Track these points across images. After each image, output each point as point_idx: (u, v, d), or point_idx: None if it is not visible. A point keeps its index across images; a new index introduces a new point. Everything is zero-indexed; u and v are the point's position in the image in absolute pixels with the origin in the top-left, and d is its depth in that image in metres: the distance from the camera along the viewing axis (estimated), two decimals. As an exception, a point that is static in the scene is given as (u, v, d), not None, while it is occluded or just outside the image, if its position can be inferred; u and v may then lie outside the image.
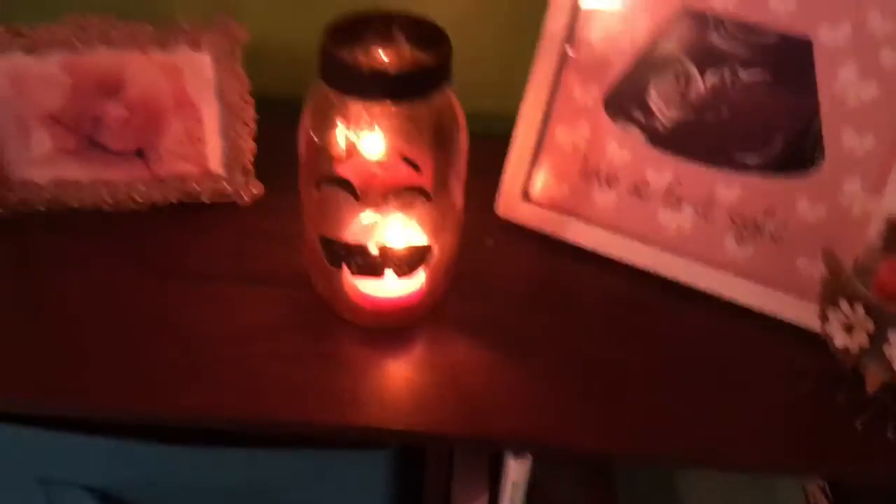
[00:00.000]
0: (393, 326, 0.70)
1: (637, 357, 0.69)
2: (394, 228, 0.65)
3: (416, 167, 0.60)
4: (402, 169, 0.61)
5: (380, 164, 0.61)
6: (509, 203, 0.79)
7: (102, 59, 0.73)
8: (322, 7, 0.85)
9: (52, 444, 0.68)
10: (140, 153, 0.77)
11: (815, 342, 0.67)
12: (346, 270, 0.65)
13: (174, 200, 0.79)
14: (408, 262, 0.64)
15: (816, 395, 0.66)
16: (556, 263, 0.77)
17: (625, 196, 0.76)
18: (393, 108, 0.59)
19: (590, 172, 0.77)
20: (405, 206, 0.62)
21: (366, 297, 0.68)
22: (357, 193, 0.61)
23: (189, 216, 0.79)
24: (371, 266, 0.64)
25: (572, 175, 0.78)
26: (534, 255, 0.78)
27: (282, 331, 0.69)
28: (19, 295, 0.71)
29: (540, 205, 0.79)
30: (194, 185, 0.78)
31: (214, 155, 0.78)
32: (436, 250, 0.65)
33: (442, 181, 0.63)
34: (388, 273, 0.65)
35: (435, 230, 0.64)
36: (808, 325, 0.70)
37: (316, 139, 0.62)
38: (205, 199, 0.79)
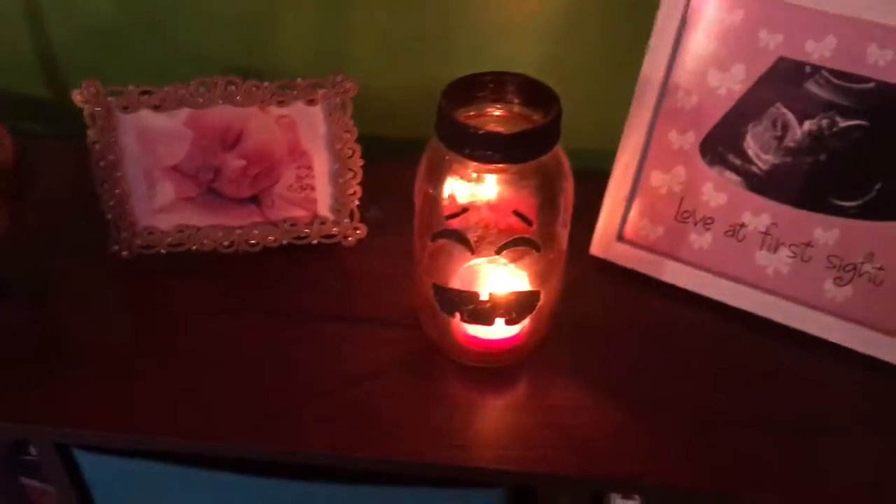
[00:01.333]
0: (498, 365, 0.73)
1: (737, 399, 0.71)
2: (503, 277, 0.68)
3: (528, 222, 0.63)
4: (513, 221, 0.64)
5: (493, 217, 0.64)
6: (604, 243, 0.82)
7: (223, 114, 0.77)
8: (418, 56, 0.90)
9: (183, 479, 0.72)
10: (255, 199, 0.82)
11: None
12: (457, 317, 0.68)
13: (284, 242, 0.83)
14: (517, 310, 0.67)
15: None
16: (652, 304, 0.79)
17: (721, 238, 0.78)
18: (506, 167, 0.62)
19: (685, 215, 0.79)
20: (516, 258, 0.65)
21: (474, 339, 0.71)
22: (472, 247, 0.64)
23: (298, 257, 0.83)
24: (482, 314, 0.67)
25: (667, 217, 0.80)
26: (628, 296, 0.80)
27: (391, 370, 0.73)
28: (144, 334, 0.76)
29: (635, 245, 0.81)
30: (304, 228, 0.83)
31: (323, 200, 0.82)
32: (542, 296, 0.68)
33: (549, 231, 0.65)
34: (498, 321, 0.68)
35: (542, 278, 0.67)
36: (909, 369, 0.71)
37: (432, 192, 0.65)
38: (313, 241, 0.83)
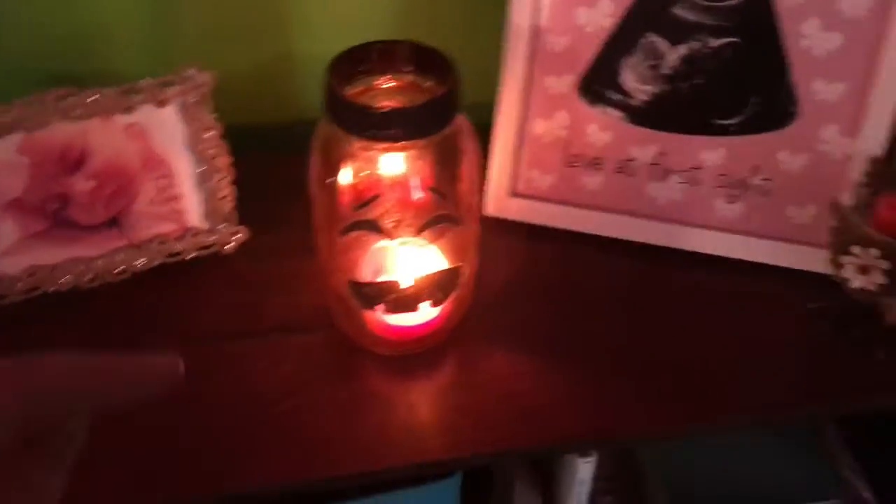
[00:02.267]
0: (425, 349, 0.69)
1: (656, 331, 0.71)
2: (419, 258, 0.64)
3: (443, 196, 0.59)
4: (427, 200, 0.60)
5: (405, 199, 0.59)
6: (498, 201, 0.79)
7: (61, 132, 0.67)
8: (260, 33, 0.82)
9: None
10: (114, 222, 0.72)
11: (817, 284, 0.71)
12: (378, 309, 0.64)
13: (156, 264, 0.75)
14: (441, 290, 0.64)
15: (832, 334, 0.70)
16: (557, 254, 0.78)
17: (612, 176, 0.78)
18: (412, 143, 0.57)
19: (574, 159, 0.78)
20: (436, 236, 0.61)
21: (396, 328, 0.66)
22: (390, 234, 0.59)
23: (175, 277, 0.75)
24: (406, 301, 0.63)
25: (557, 164, 0.78)
26: (532, 251, 0.78)
27: (314, 380, 0.67)
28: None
29: (528, 197, 0.79)
30: (175, 244, 0.74)
31: (192, 209, 0.74)
32: (465, 270, 0.65)
33: (466, 202, 0.62)
34: (422, 305, 0.64)
35: (463, 251, 0.64)
36: (807, 268, 0.74)
37: (330, 182, 0.60)
38: (188, 256, 0.75)
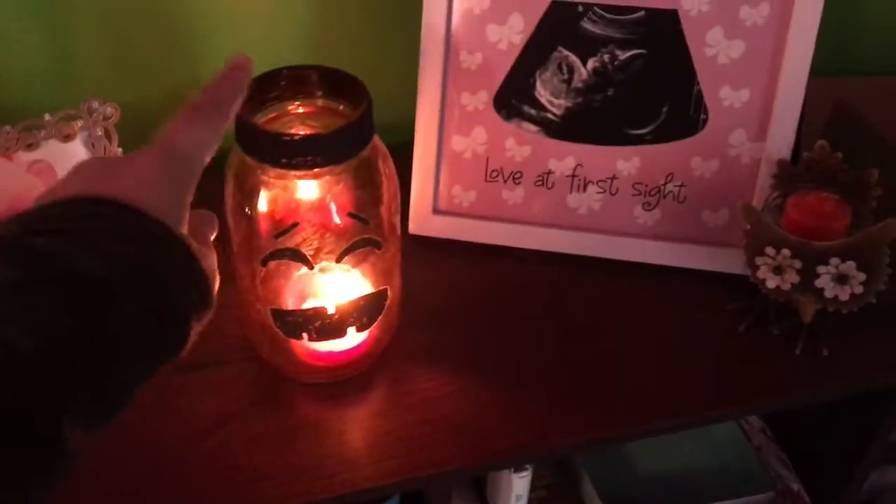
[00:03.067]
0: (353, 374, 0.68)
1: (582, 340, 0.72)
2: (346, 284, 0.63)
3: (364, 221, 0.59)
4: (347, 225, 0.59)
5: (324, 225, 0.59)
6: (420, 219, 0.79)
7: (-40, 173, 0.64)
8: (164, 62, 0.80)
9: None
10: (22, 263, 0.69)
11: (735, 286, 0.73)
12: (304, 337, 0.63)
13: (70, 302, 0.72)
14: (367, 314, 0.63)
15: (753, 333, 0.72)
16: (482, 269, 0.78)
17: (532, 189, 0.78)
18: (329, 169, 0.57)
19: (494, 174, 0.78)
20: (359, 261, 0.60)
21: (323, 354, 0.66)
22: (311, 262, 0.58)
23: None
24: (331, 328, 0.62)
25: (477, 180, 0.78)
26: (457, 267, 0.78)
27: (240, 413, 0.66)
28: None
29: (451, 214, 0.79)
30: (90, 280, 0.72)
31: (105, 244, 0.72)
32: (390, 293, 0.64)
33: (388, 225, 0.61)
34: (350, 331, 0.63)
35: (387, 274, 0.63)
36: (726, 270, 0.75)
37: (249, 212, 0.58)
38: (104, 292, 0.73)
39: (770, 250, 0.66)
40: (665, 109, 0.75)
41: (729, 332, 0.72)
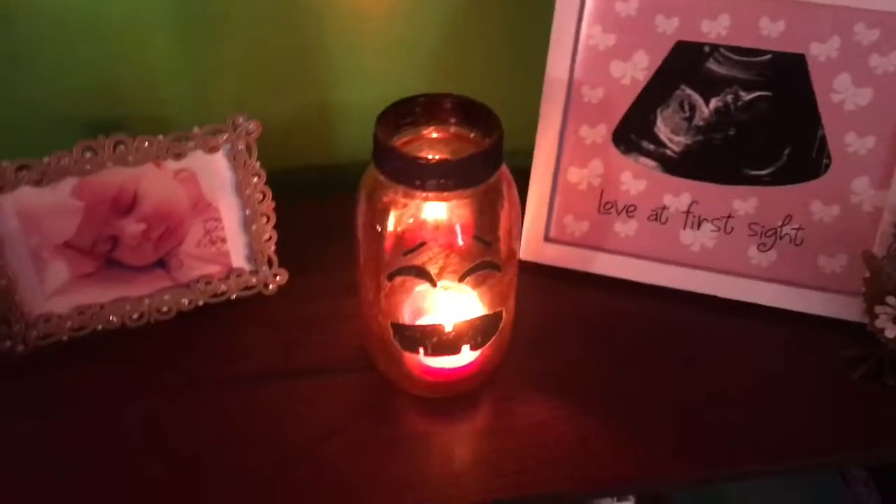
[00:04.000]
0: (460, 394, 0.70)
1: (690, 377, 0.72)
2: (460, 302, 0.65)
3: (487, 244, 0.61)
4: (469, 247, 0.62)
5: (449, 246, 0.61)
6: (532, 246, 0.81)
7: (114, 177, 0.70)
8: (300, 82, 0.85)
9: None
10: (161, 263, 0.75)
11: (850, 333, 0.72)
12: (420, 352, 0.65)
13: (200, 303, 0.76)
14: (482, 335, 0.65)
15: (865, 383, 0.71)
16: (591, 299, 0.79)
17: (645, 223, 0.79)
18: (458, 193, 0.59)
19: (608, 206, 0.79)
20: (479, 282, 0.63)
21: (436, 370, 0.68)
22: (434, 280, 0.61)
23: (218, 317, 0.77)
24: (447, 345, 0.65)
25: (591, 211, 0.80)
26: (567, 296, 0.80)
27: (353, 422, 0.68)
28: (61, 437, 0.67)
29: (562, 243, 0.81)
30: (220, 284, 0.76)
31: (236, 251, 0.76)
32: (504, 315, 0.66)
33: (507, 250, 0.63)
34: (464, 349, 0.65)
35: (502, 297, 0.65)
36: (838, 316, 0.75)
37: (379, 230, 0.61)
38: (232, 296, 0.77)
39: (891, 300, 0.66)
40: (787, 152, 0.75)
41: (841, 381, 0.72)
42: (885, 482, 0.93)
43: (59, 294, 0.72)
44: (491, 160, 0.60)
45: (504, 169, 0.63)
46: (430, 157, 0.58)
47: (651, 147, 0.77)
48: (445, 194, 0.59)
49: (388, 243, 0.62)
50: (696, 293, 0.78)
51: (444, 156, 0.61)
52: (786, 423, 0.68)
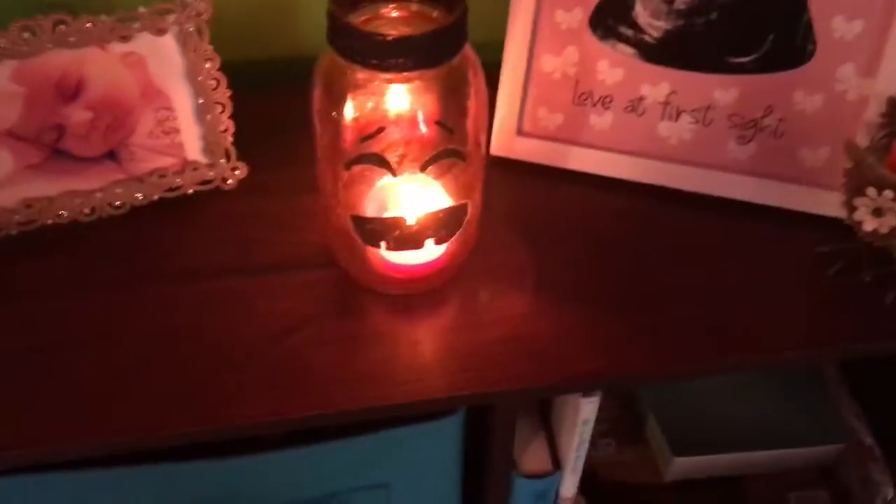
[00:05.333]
0: (426, 290, 0.68)
1: (665, 273, 0.70)
2: (422, 195, 0.62)
3: (450, 131, 0.58)
4: (433, 134, 0.58)
5: (411, 132, 0.58)
6: (504, 140, 0.78)
7: (57, 60, 0.65)
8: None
9: (94, 483, 0.64)
10: (111, 155, 0.71)
11: (827, 228, 0.70)
12: (381, 246, 0.63)
13: (155, 198, 0.73)
14: (446, 228, 0.62)
15: (842, 278, 0.69)
16: (564, 195, 0.77)
17: (621, 115, 0.76)
18: (419, 74, 0.56)
19: (583, 97, 0.76)
20: (441, 172, 0.60)
21: (399, 266, 0.65)
22: (394, 169, 0.58)
23: (174, 212, 0.74)
24: (410, 238, 0.62)
25: (565, 102, 0.76)
26: (539, 192, 0.77)
27: (314, 318, 0.66)
28: (11, 331, 0.64)
29: (535, 137, 0.77)
30: (175, 178, 0.73)
31: (191, 143, 0.73)
32: (470, 209, 0.63)
33: (473, 139, 0.60)
34: (428, 243, 0.62)
35: (468, 189, 0.62)
36: (817, 212, 0.72)
37: (335, 116, 0.58)
38: (188, 190, 0.74)
39: (871, 191, 0.63)
40: (770, 38, 0.71)
41: (816, 276, 0.70)
42: (857, 382, 0.93)
43: (4, 186, 0.69)
44: (454, 37, 0.56)
45: (469, 51, 0.59)
46: (388, 34, 0.54)
47: (629, 33, 0.73)
48: (405, 75, 0.55)
49: (347, 131, 0.58)
50: (673, 188, 0.75)
51: (406, 33, 0.56)
52: (760, 318, 0.67)
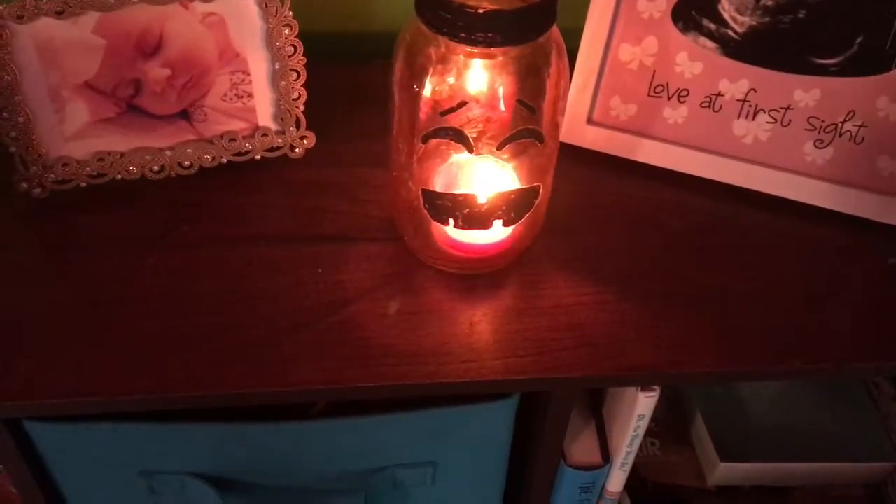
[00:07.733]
0: (488, 271, 0.67)
1: (731, 274, 0.69)
2: (500, 176, 0.62)
3: (532, 110, 0.57)
4: (513, 113, 0.58)
5: (491, 110, 0.57)
6: (574, 127, 0.77)
7: (139, 15, 0.66)
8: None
9: (149, 437, 0.64)
10: (184, 114, 0.71)
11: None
12: (450, 223, 0.62)
13: (224, 161, 0.73)
14: (516, 209, 0.62)
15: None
16: (631, 186, 0.76)
17: (696, 110, 0.74)
18: (504, 50, 0.55)
19: (658, 89, 0.75)
20: (518, 153, 0.59)
21: (466, 245, 0.65)
22: (472, 145, 0.57)
23: (240, 176, 0.74)
24: (479, 217, 0.61)
25: (640, 93, 0.75)
26: (608, 182, 0.76)
27: (375, 289, 0.66)
28: (77, 283, 0.65)
29: (606, 126, 0.76)
30: (245, 142, 0.73)
31: (264, 108, 0.73)
32: (541, 191, 0.63)
33: (551, 121, 0.59)
34: (496, 223, 0.62)
35: (541, 171, 0.62)
36: (891, 222, 0.71)
37: (416, 88, 0.57)
38: (256, 155, 0.74)
39: (955, 204, 0.61)
40: (858, 41, 0.69)
41: (885, 287, 0.68)
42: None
43: (78, 137, 0.69)
44: (544, 16, 0.55)
45: (556, 32, 0.58)
46: (478, 6, 0.54)
47: (712, 26, 0.72)
48: (491, 50, 0.55)
49: (426, 104, 0.58)
50: (743, 188, 0.74)
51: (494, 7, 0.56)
52: (825, 326, 0.65)
